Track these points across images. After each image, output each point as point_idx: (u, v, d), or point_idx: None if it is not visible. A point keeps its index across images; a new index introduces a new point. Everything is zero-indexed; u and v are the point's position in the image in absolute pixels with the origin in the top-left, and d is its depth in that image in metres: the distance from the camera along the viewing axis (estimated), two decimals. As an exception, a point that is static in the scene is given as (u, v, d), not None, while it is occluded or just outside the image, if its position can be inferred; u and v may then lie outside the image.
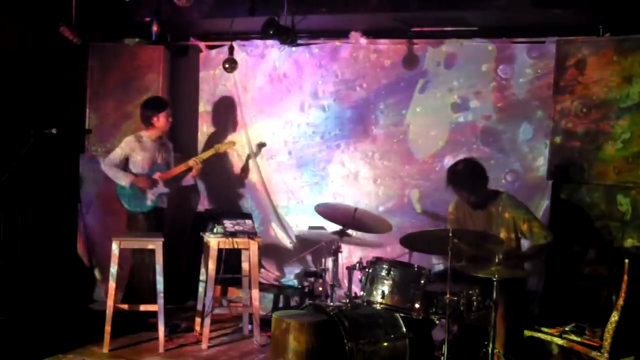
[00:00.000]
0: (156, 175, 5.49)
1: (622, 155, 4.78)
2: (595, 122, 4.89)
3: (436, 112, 5.79)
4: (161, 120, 5.52)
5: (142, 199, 5.48)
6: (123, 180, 5.45)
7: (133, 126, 6.18)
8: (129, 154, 5.52)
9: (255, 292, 5.25)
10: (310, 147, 6.26)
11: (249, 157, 6.42)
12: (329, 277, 4.96)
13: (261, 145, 6.35)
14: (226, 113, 6.51)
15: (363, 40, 5.91)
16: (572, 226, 4.94)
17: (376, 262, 4.32)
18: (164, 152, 5.63)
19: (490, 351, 4.02)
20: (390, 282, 4.20)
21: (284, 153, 6.33)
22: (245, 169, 6.46)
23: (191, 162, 5.58)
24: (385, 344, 4.29)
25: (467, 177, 4.60)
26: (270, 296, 6.00)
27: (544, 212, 5.24)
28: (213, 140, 6.47)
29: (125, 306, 5.19)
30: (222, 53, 6.29)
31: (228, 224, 5.22)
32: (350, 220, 4.80)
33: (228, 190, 6.54)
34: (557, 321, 4.21)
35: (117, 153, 5.52)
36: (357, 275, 4.48)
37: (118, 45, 6.35)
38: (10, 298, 5.37)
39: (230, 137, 6.39)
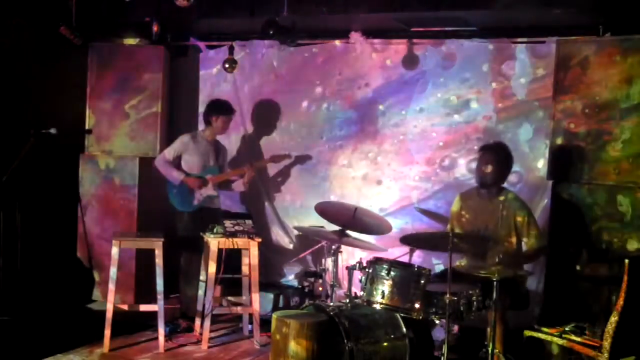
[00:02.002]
0: (207, 177, 5.54)
1: (622, 156, 4.77)
2: (595, 122, 4.88)
3: (436, 112, 5.79)
4: (219, 122, 5.63)
5: (189, 199, 5.54)
6: (174, 177, 5.52)
7: (132, 126, 6.19)
8: (182, 152, 5.60)
9: (255, 293, 5.25)
10: (311, 148, 6.25)
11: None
12: (329, 277, 4.96)
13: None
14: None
15: (363, 40, 5.91)
16: (572, 226, 4.94)
17: (376, 262, 4.31)
18: (217, 155, 5.70)
19: (490, 351, 4.02)
20: (390, 282, 4.19)
21: (284, 153, 6.31)
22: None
23: (245, 169, 5.71)
24: (385, 344, 4.29)
25: (501, 161, 4.66)
26: (270, 296, 6.00)
27: (544, 212, 5.24)
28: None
29: (125, 306, 5.20)
30: (221, 53, 6.29)
31: (228, 224, 5.23)
32: (350, 220, 4.79)
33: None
34: (557, 321, 4.21)
35: (171, 150, 5.63)
36: (357, 275, 4.47)
37: (118, 45, 6.35)
38: (10, 298, 5.37)
39: (230, 137, 6.40)
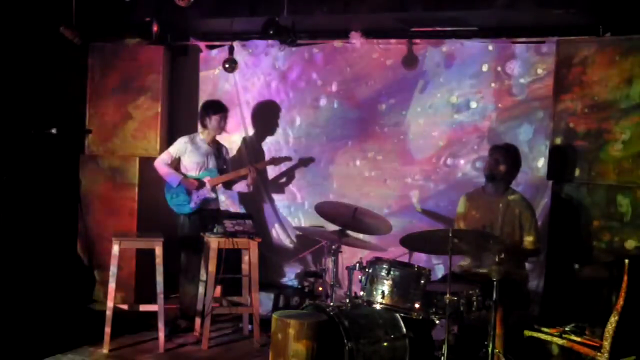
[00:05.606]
0: (206, 179, 5.54)
1: (622, 156, 4.78)
2: (595, 122, 4.89)
3: (436, 113, 5.80)
4: (212, 122, 5.58)
5: (186, 201, 5.53)
6: (172, 179, 5.52)
7: (133, 126, 6.19)
8: (181, 154, 5.59)
9: (256, 292, 5.25)
10: (312, 147, 6.25)
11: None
12: (329, 277, 4.96)
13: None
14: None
15: (363, 40, 5.91)
16: (572, 226, 4.94)
17: (376, 262, 4.31)
18: (216, 157, 5.68)
19: (490, 351, 4.02)
20: (390, 282, 4.19)
21: (286, 153, 6.32)
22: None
23: (244, 171, 5.70)
24: (385, 344, 4.29)
25: (510, 160, 4.70)
26: (271, 296, 6.00)
27: (544, 212, 5.25)
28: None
29: (125, 306, 5.20)
30: (222, 53, 6.29)
31: (228, 224, 5.23)
32: (350, 220, 4.79)
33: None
34: (557, 321, 4.21)
35: (170, 152, 5.61)
36: (357, 275, 4.47)
37: (118, 45, 6.34)
38: (10, 298, 5.37)
39: (230, 137, 6.40)
